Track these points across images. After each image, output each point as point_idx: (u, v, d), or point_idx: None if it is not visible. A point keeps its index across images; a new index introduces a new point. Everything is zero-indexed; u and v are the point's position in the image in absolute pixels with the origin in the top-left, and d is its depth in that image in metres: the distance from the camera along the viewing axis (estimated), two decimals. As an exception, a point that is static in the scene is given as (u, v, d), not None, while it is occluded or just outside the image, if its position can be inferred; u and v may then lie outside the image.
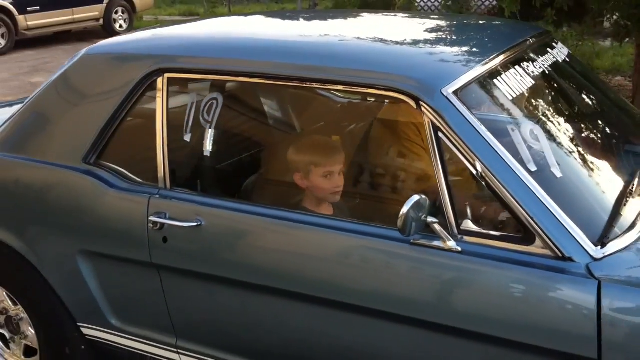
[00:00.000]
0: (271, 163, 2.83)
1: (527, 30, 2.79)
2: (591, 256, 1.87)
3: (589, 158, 2.28)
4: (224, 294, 2.37)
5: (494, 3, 10.58)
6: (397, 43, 2.42)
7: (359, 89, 2.24)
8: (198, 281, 2.39)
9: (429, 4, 13.86)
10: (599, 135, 2.51)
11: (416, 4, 13.60)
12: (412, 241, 2.03)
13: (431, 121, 2.04)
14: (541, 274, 1.89)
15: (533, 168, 2.00)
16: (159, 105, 2.44)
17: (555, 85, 2.60)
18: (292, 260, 2.23)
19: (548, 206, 1.92)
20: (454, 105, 2.04)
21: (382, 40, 2.45)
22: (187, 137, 2.47)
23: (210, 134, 2.44)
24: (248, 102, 3.11)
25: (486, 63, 2.24)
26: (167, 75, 2.43)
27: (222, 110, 2.46)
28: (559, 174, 2.05)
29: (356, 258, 2.15)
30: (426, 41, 2.46)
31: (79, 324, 2.69)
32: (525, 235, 1.94)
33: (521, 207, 1.93)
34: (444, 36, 2.56)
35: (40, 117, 2.72)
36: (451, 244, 1.98)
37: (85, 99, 2.61)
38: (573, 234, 1.89)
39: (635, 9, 5.54)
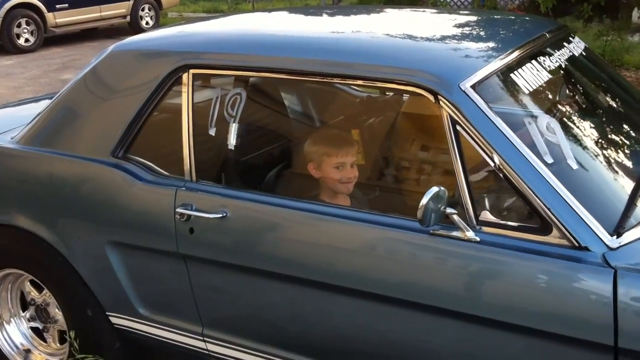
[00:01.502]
0: (292, 156, 2.89)
1: (544, 24, 2.82)
2: (607, 246, 1.91)
3: (605, 150, 2.32)
4: (248, 284, 2.44)
5: (524, -1, 10.50)
6: (416, 38, 2.46)
7: (379, 84, 2.29)
8: (223, 271, 2.46)
9: (458, 2, 13.77)
10: (615, 128, 2.54)
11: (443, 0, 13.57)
12: (431, 232, 2.07)
13: (449, 115, 2.09)
14: (558, 263, 1.93)
15: (549, 160, 2.04)
16: (185, 100, 2.51)
17: (571, 78, 2.63)
18: (315, 251, 2.29)
19: (564, 197, 1.96)
20: (472, 99, 2.08)
21: (401, 36, 2.50)
22: (212, 131, 2.53)
23: (234, 128, 2.51)
24: (270, 97, 3.17)
25: (503, 57, 2.28)
26: (192, 71, 2.50)
27: (246, 104, 2.52)
28: (575, 166, 2.08)
29: (378, 249, 2.19)
30: (444, 36, 2.49)
31: (107, 313, 2.77)
32: (542, 225, 1.98)
33: (538, 198, 1.97)
34: (461, 31, 2.60)
35: (69, 112, 2.80)
36: (470, 234, 2.03)
37: (113, 94, 2.69)
38: (589, 224, 1.93)
39: None
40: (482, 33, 2.61)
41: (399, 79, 2.19)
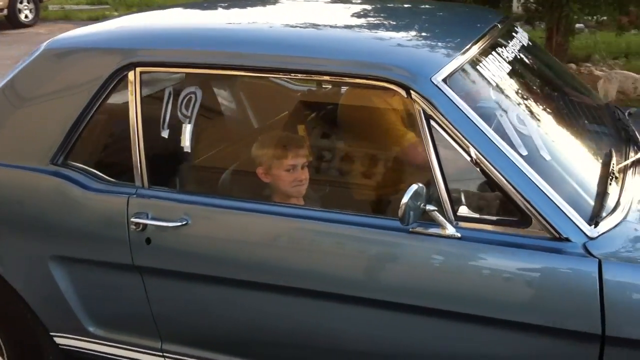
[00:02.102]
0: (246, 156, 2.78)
1: (490, 15, 2.84)
2: (587, 235, 1.93)
3: (571, 139, 2.35)
4: (212, 293, 2.32)
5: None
6: (377, 32, 2.42)
7: (347, 79, 2.23)
8: (184, 281, 2.32)
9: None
10: (574, 117, 2.58)
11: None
12: (410, 230, 2.03)
13: (422, 109, 2.05)
14: (540, 256, 1.94)
15: (524, 152, 2.03)
16: (132, 101, 2.34)
17: (528, 68, 2.66)
18: (286, 255, 2.20)
19: (542, 189, 1.96)
20: (445, 93, 2.05)
21: (362, 30, 2.44)
22: (165, 133, 2.38)
23: (189, 129, 2.37)
24: (225, 96, 3.03)
25: (467, 50, 2.27)
26: (139, 69, 2.34)
27: (201, 104, 2.38)
28: (547, 157, 2.09)
29: (353, 249, 2.13)
30: (403, 30, 2.46)
31: (51, 333, 2.57)
32: (522, 218, 1.98)
33: (517, 190, 1.96)
34: (417, 24, 2.57)
35: (0, 116, 2.57)
36: (450, 230, 2.00)
37: (50, 96, 2.48)
38: (568, 215, 1.95)
39: None
40: (438, 26, 2.59)
41: (369, 75, 2.12)
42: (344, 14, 2.78)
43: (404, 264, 2.08)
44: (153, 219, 2.27)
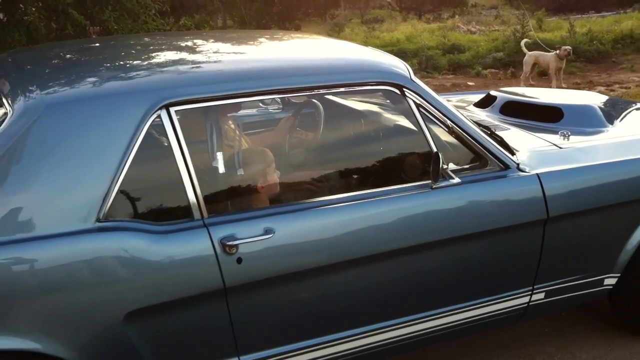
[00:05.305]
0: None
1: None
2: (515, 162, 3.03)
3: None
4: (303, 284, 2.61)
5: None
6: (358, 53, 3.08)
7: (357, 88, 2.81)
8: (272, 286, 2.54)
9: None
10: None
11: None
12: (433, 187, 2.81)
13: (414, 101, 2.83)
14: (501, 180, 2.96)
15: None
16: (174, 140, 2.42)
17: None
18: (358, 230, 2.68)
19: (489, 141, 2.99)
20: (423, 87, 2.88)
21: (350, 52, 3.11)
22: (215, 162, 2.52)
23: (239, 154, 2.56)
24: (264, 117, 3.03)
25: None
26: (173, 108, 2.43)
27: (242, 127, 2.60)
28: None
29: (400, 215, 2.76)
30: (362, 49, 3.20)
31: None
32: (482, 162, 2.96)
33: (479, 144, 2.94)
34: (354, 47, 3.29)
35: (15, 186, 2.24)
36: (455, 180, 2.84)
37: (74, 153, 2.32)
38: (505, 153, 3.02)
39: None
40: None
41: (372, 81, 2.79)
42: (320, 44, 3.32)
43: (434, 211, 2.83)
44: (243, 238, 2.44)
